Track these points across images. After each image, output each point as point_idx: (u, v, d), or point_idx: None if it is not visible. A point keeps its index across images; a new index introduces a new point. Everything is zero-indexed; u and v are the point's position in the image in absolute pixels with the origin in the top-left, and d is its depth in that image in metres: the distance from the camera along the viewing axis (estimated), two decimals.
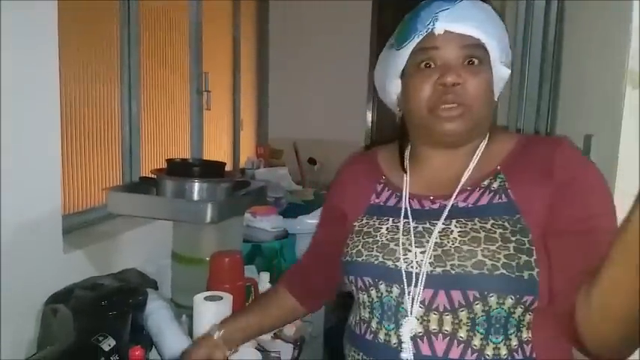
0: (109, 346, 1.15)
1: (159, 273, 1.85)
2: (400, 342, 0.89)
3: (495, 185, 0.92)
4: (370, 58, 4.04)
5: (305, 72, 4.17)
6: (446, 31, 0.90)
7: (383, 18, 4.10)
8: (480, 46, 0.91)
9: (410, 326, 0.87)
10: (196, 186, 1.58)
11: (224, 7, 3.47)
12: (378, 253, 0.93)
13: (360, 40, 4.09)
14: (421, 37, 0.91)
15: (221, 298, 1.51)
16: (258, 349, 1.47)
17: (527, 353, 0.86)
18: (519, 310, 0.85)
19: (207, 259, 1.65)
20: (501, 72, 0.96)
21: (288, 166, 3.79)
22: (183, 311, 1.61)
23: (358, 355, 0.96)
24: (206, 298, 1.50)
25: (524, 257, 0.84)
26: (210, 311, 1.48)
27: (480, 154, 0.97)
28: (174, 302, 1.74)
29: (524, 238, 0.86)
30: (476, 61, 0.91)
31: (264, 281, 1.79)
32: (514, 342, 0.86)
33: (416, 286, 0.88)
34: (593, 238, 0.83)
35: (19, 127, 1.30)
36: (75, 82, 1.81)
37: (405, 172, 1.02)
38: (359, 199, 1.05)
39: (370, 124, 4.23)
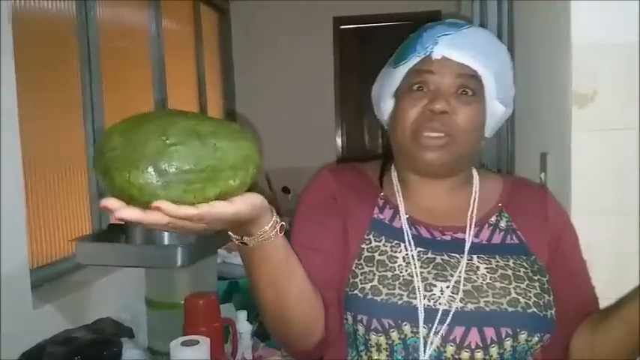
0: None
1: (135, 320, 1.83)
2: None
3: (503, 224, 0.93)
4: (335, 84, 4.10)
5: (272, 101, 4.20)
6: (443, 57, 0.88)
7: (345, 45, 4.17)
8: (475, 78, 0.89)
9: None
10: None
11: (186, 39, 3.49)
12: (402, 292, 0.85)
13: (325, 67, 4.15)
14: (418, 59, 0.89)
15: (198, 342, 1.49)
16: None
17: None
18: (539, 345, 0.87)
19: (182, 302, 1.63)
20: (495, 108, 0.93)
21: (265, 197, 3.79)
22: (160, 358, 1.59)
23: None
24: (182, 344, 1.48)
25: (546, 296, 0.87)
26: (187, 357, 1.46)
27: (477, 189, 0.96)
28: (152, 349, 1.72)
29: (543, 278, 0.89)
30: (469, 92, 0.89)
31: (241, 320, 1.76)
32: None
33: (444, 323, 0.83)
34: (580, 283, 0.96)
35: None
36: (36, 130, 1.80)
37: (397, 191, 0.96)
38: (357, 206, 0.95)
39: (341, 149, 4.28)
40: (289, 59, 4.16)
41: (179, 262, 1.44)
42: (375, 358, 0.86)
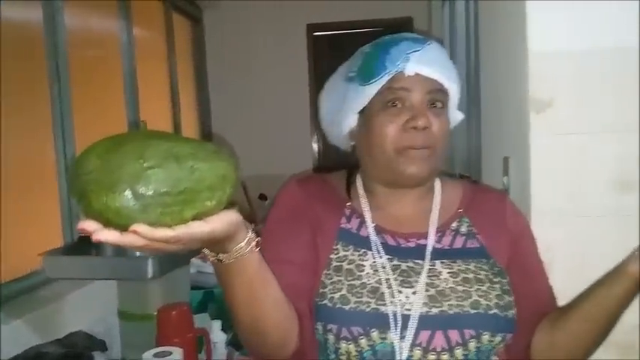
0: None
1: (108, 332, 1.81)
2: None
3: (464, 229, 0.96)
4: (310, 90, 4.13)
5: (248, 109, 4.22)
6: (416, 74, 0.91)
7: (318, 52, 4.21)
8: (442, 91, 0.93)
9: None
10: None
11: (158, 51, 3.49)
12: (369, 299, 0.87)
13: (299, 73, 4.18)
14: (390, 76, 0.91)
15: (170, 353, 1.49)
16: None
17: None
18: (502, 345, 0.90)
19: (155, 313, 1.63)
20: (455, 116, 0.99)
21: (240, 205, 3.79)
22: None
23: None
24: (155, 355, 1.48)
25: (507, 297, 0.90)
26: None
27: (439, 195, 0.99)
28: None
29: (504, 280, 0.92)
30: (439, 105, 0.93)
31: (215, 330, 1.77)
32: None
33: (411, 328, 0.86)
34: (539, 284, 1.01)
35: None
36: (5, 145, 1.79)
37: (363, 201, 0.98)
38: (325, 217, 0.97)
39: (317, 154, 4.30)
40: (264, 66, 4.18)
41: (150, 273, 1.44)
42: None
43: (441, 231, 0.96)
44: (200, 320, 1.79)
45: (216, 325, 1.79)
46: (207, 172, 0.63)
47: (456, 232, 0.96)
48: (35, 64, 2.06)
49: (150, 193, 0.58)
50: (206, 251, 0.73)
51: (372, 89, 0.92)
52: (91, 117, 2.41)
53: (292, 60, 4.18)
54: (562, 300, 1.04)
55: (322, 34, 4.24)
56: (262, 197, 3.99)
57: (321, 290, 0.90)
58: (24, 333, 1.56)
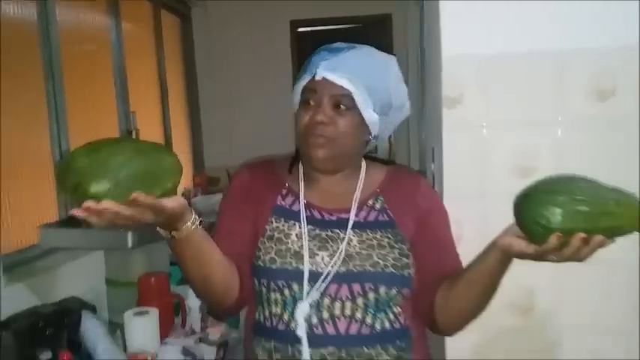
0: (47, 357, 1.36)
1: (98, 300, 2.05)
2: (312, 325, 1.08)
3: (378, 206, 1.19)
4: (293, 84, 4.33)
5: (234, 102, 4.43)
6: (323, 78, 1.09)
7: (302, 47, 4.42)
8: (348, 96, 1.10)
9: (303, 309, 1.08)
10: None
11: (147, 44, 3.68)
12: (291, 259, 1.11)
13: (283, 64, 4.39)
14: (307, 80, 1.11)
15: (148, 312, 1.73)
16: (183, 353, 1.69)
17: (402, 322, 1.14)
18: (399, 297, 1.13)
19: (136, 281, 1.87)
20: (371, 117, 1.13)
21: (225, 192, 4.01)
22: (118, 328, 1.82)
23: (270, 343, 1.14)
24: (135, 314, 1.73)
25: (404, 259, 1.13)
26: (139, 324, 1.71)
27: (363, 179, 1.22)
28: (112, 322, 1.95)
29: (404, 246, 1.14)
30: (343, 107, 1.10)
31: (191, 297, 1.98)
32: (391, 315, 1.13)
33: (324, 282, 1.10)
34: (444, 252, 1.20)
35: None
36: (3, 128, 1.98)
37: (300, 183, 1.21)
38: (265, 196, 1.19)
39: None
40: (250, 61, 4.39)
41: (130, 243, 1.67)
42: (274, 310, 1.14)
43: (360, 207, 1.18)
44: (181, 291, 2.03)
45: (192, 292, 2.01)
46: (165, 162, 0.89)
47: (371, 207, 1.19)
48: (32, 59, 2.27)
49: (129, 177, 0.83)
50: (161, 231, 0.96)
51: (297, 88, 1.15)
52: (83, 109, 2.63)
53: (277, 54, 4.39)
54: None
55: (305, 30, 4.46)
56: None
57: (257, 254, 1.15)
58: (23, 296, 1.77)
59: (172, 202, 0.88)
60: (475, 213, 1.39)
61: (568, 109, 1.34)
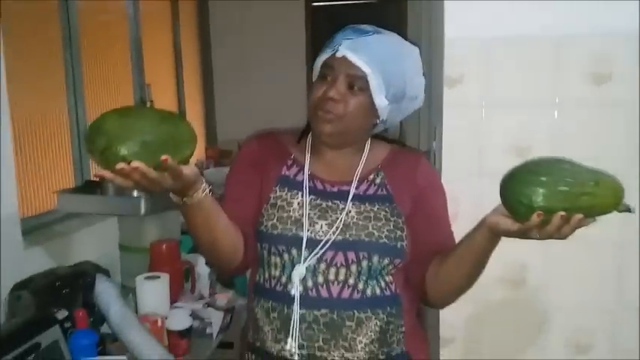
0: (63, 315, 1.45)
1: (111, 264, 2.13)
2: (307, 288, 1.16)
3: (378, 180, 1.25)
4: (306, 58, 4.36)
5: (247, 75, 4.46)
6: (343, 56, 1.13)
7: (316, 21, 4.42)
8: (363, 78, 1.14)
9: (300, 272, 1.16)
10: None
11: (163, 15, 3.72)
12: (291, 226, 1.18)
13: (297, 39, 4.40)
14: (328, 55, 1.15)
15: (159, 277, 1.82)
16: (192, 316, 1.78)
17: (393, 290, 1.21)
18: (391, 266, 1.20)
19: (148, 247, 1.95)
20: (381, 102, 1.17)
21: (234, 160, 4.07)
22: (130, 291, 1.91)
23: (268, 303, 1.22)
24: (146, 278, 1.82)
25: (398, 232, 1.19)
26: (150, 288, 1.79)
27: (366, 154, 1.27)
28: (124, 286, 2.04)
29: (399, 220, 1.20)
30: (355, 88, 1.15)
31: (200, 264, 2.08)
32: (382, 283, 1.19)
33: (322, 248, 1.17)
34: (438, 228, 1.25)
35: None
36: (23, 99, 2.06)
37: (307, 155, 1.26)
38: (271, 166, 1.26)
39: None
40: (264, 35, 4.40)
41: (143, 210, 1.75)
42: (273, 273, 1.21)
43: (360, 181, 1.24)
44: (191, 258, 2.11)
45: (201, 259, 2.09)
46: (184, 130, 0.97)
47: (372, 182, 1.25)
48: (51, 30, 2.33)
49: (155, 142, 0.90)
50: (173, 196, 1.03)
51: (318, 62, 1.19)
52: (99, 80, 2.70)
53: (291, 28, 4.40)
54: None
55: (320, 5, 4.46)
56: None
57: (260, 220, 1.22)
58: (41, 258, 1.86)
59: (188, 169, 0.96)
60: (472, 191, 1.44)
61: (565, 92, 1.38)
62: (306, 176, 1.24)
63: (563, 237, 0.97)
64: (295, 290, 1.16)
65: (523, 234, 0.98)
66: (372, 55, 1.14)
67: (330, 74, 1.17)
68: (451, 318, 1.54)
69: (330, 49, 1.17)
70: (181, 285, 2.01)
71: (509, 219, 0.99)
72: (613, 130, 1.37)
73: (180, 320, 1.71)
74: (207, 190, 1.04)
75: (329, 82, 1.17)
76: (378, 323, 1.18)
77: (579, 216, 0.93)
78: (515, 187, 0.96)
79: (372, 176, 1.25)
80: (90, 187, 1.94)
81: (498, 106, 1.42)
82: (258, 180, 1.26)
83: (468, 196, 1.42)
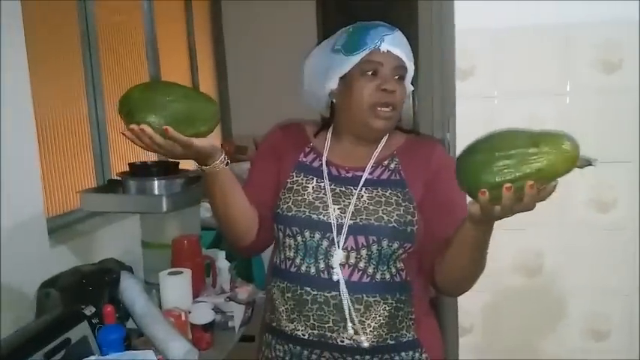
0: (91, 311, 1.50)
1: (134, 261, 2.18)
2: (319, 270, 1.22)
3: (392, 166, 1.29)
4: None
5: (260, 68, 4.48)
6: (388, 51, 1.20)
7: (327, 11, 4.43)
8: (404, 67, 1.24)
9: (339, 257, 1.20)
10: (155, 183, 1.92)
11: (177, 14, 3.76)
12: (305, 209, 1.24)
13: (309, 33, 4.42)
14: (369, 51, 1.20)
15: (181, 272, 1.86)
16: (214, 310, 1.82)
17: (404, 277, 1.24)
18: (401, 251, 1.23)
19: (170, 243, 2.00)
20: (409, 88, 1.29)
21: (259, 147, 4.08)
22: (153, 287, 1.96)
23: (283, 283, 1.27)
24: (169, 274, 1.86)
25: (409, 217, 1.23)
26: (173, 284, 1.84)
27: (384, 143, 1.31)
28: (147, 282, 2.09)
29: (410, 205, 1.24)
30: (401, 77, 1.24)
31: (221, 258, 2.12)
32: (393, 270, 1.23)
33: (331, 232, 1.21)
34: (452, 213, 1.21)
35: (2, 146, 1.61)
36: (45, 101, 2.10)
37: (326, 143, 1.32)
38: (290, 153, 1.33)
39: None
40: (276, 30, 4.42)
41: (164, 208, 1.79)
42: (287, 254, 1.27)
43: (375, 166, 1.28)
44: (211, 253, 2.16)
45: (222, 254, 2.13)
46: (204, 108, 1.07)
47: (386, 167, 1.28)
48: (69, 29, 2.38)
49: (170, 115, 1.02)
50: (194, 163, 1.13)
51: (355, 59, 1.22)
52: (117, 77, 2.74)
53: (303, 24, 4.40)
54: None
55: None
56: None
57: (277, 203, 1.29)
58: (67, 257, 1.92)
59: (202, 142, 1.07)
60: None
61: (575, 80, 1.39)
62: (323, 162, 1.30)
63: (529, 207, 0.93)
64: (339, 275, 1.20)
65: (488, 214, 0.96)
66: (405, 47, 1.23)
67: (376, 69, 1.21)
68: (469, 307, 1.56)
69: (369, 46, 1.20)
70: (203, 280, 2.05)
71: (475, 203, 0.98)
72: (624, 117, 1.37)
73: (203, 314, 1.74)
74: (224, 163, 1.14)
75: (380, 76, 1.21)
76: (387, 308, 1.21)
77: (529, 182, 0.90)
78: (459, 171, 0.97)
79: (386, 162, 1.29)
80: (112, 186, 1.99)
81: (510, 96, 1.44)
82: (278, 166, 1.33)
83: None
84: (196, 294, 1.93)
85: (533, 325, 1.55)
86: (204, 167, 1.13)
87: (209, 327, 1.73)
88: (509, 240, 1.45)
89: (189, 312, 1.76)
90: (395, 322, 1.23)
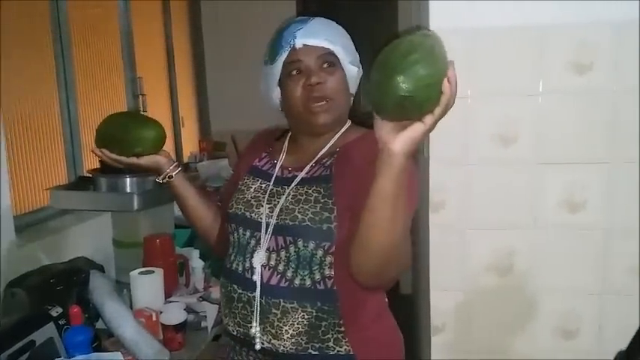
0: (57, 312, 1.46)
1: (106, 260, 2.15)
2: (244, 269, 1.21)
3: (328, 163, 1.23)
4: None
5: (239, 66, 4.44)
6: (304, 45, 1.17)
7: (307, 8, 4.42)
8: (330, 53, 1.19)
9: (260, 257, 1.18)
10: (126, 181, 1.88)
11: (155, 12, 3.71)
12: (242, 206, 1.26)
13: None
14: (287, 53, 1.18)
15: (153, 272, 1.83)
16: (187, 310, 1.79)
17: (329, 286, 1.15)
18: (320, 252, 1.14)
19: (142, 241, 1.96)
20: (351, 70, 1.23)
21: (231, 158, 4.07)
22: (125, 287, 1.92)
23: (224, 280, 1.28)
24: (140, 273, 1.83)
25: (325, 214, 1.14)
26: (144, 283, 1.81)
27: (336, 139, 1.25)
28: (119, 281, 2.06)
29: (329, 200, 1.15)
30: (329, 64, 1.19)
31: (194, 258, 2.09)
32: (317, 276, 1.16)
33: (259, 231, 1.20)
34: None
35: None
36: (14, 96, 2.06)
37: (284, 147, 1.31)
38: (250, 158, 1.36)
39: None
40: (255, 28, 4.37)
41: (135, 206, 1.76)
42: (230, 251, 1.29)
43: (315, 164, 1.23)
44: (185, 252, 2.13)
45: (195, 253, 2.11)
46: (136, 135, 1.31)
47: (323, 165, 1.22)
48: (41, 24, 2.32)
49: (108, 139, 1.32)
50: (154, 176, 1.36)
51: (277, 66, 1.22)
52: (91, 74, 2.70)
53: (282, 18, 4.38)
54: (455, 232, 1.33)
55: None
56: None
57: (229, 203, 1.31)
58: (35, 255, 1.88)
59: (145, 160, 1.34)
60: (459, 179, 1.46)
61: (549, 81, 1.39)
62: (277, 165, 1.29)
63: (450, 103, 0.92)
64: (257, 276, 1.18)
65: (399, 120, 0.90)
66: (326, 32, 1.19)
67: (299, 67, 1.20)
68: (442, 306, 1.56)
69: (285, 47, 1.19)
70: (176, 279, 2.02)
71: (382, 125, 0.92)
72: (596, 119, 1.38)
73: (174, 314, 1.72)
74: (174, 173, 1.35)
75: (303, 73, 1.19)
76: (306, 316, 1.15)
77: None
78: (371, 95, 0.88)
79: (326, 159, 1.23)
80: (82, 184, 1.95)
81: (483, 96, 1.44)
82: (240, 172, 1.37)
83: (455, 185, 1.43)
84: (169, 294, 1.90)
85: (504, 324, 1.56)
86: (157, 179, 1.37)
87: (181, 327, 1.70)
88: (482, 240, 1.46)
89: (161, 312, 1.74)
90: (317, 332, 1.16)
